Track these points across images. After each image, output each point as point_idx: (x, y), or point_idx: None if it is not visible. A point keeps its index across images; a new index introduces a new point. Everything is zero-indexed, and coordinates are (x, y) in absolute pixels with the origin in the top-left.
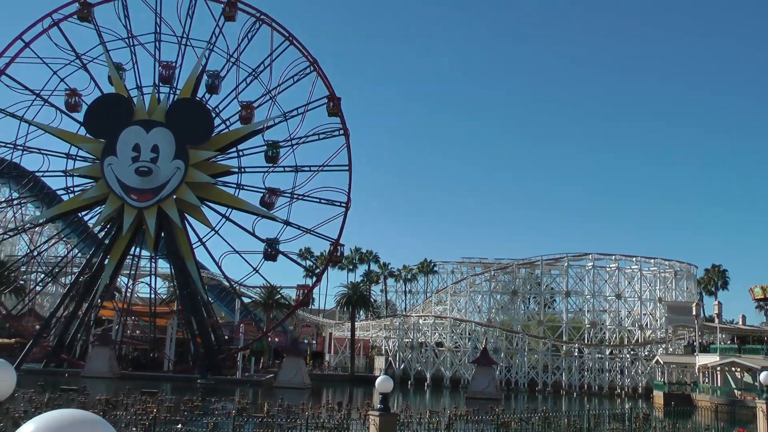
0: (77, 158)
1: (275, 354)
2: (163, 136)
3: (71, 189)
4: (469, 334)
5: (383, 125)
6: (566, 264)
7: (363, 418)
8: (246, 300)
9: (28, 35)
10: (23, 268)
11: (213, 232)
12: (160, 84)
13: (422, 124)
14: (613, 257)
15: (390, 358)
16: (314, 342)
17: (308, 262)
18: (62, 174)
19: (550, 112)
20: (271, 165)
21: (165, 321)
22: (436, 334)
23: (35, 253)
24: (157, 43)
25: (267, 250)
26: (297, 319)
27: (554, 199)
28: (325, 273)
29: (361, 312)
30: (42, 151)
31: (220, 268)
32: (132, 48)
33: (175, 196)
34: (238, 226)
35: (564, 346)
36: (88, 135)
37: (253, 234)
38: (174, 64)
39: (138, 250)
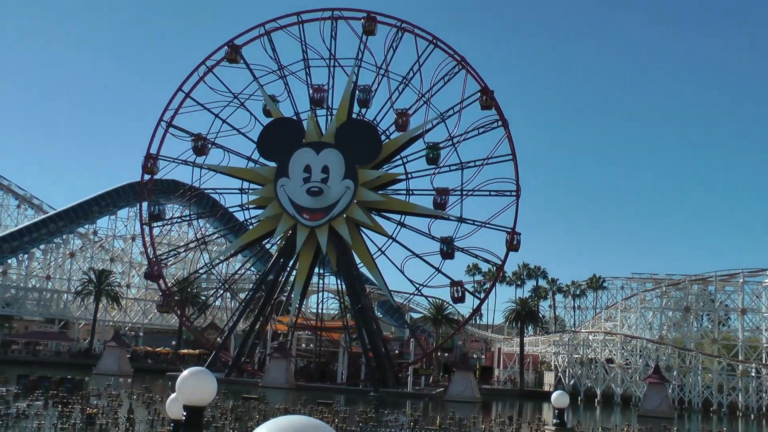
0: (250, 191)
1: (445, 368)
2: (333, 156)
3: (245, 206)
4: (641, 350)
5: (547, 140)
6: (742, 280)
7: None
8: (415, 315)
9: (186, 86)
10: (203, 285)
11: (390, 241)
12: (315, 108)
13: (585, 128)
14: None
15: (559, 374)
16: (483, 357)
17: (476, 276)
18: (238, 191)
19: (730, 113)
20: (434, 167)
21: (337, 335)
22: (606, 350)
23: (214, 270)
24: (306, 69)
25: (443, 249)
26: (466, 335)
27: (729, 210)
28: (494, 289)
29: (530, 327)
30: (218, 191)
31: (402, 272)
32: (284, 78)
33: (345, 215)
34: (415, 230)
35: (740, 366)
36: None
37: (429, 235)
38: (325, 87)
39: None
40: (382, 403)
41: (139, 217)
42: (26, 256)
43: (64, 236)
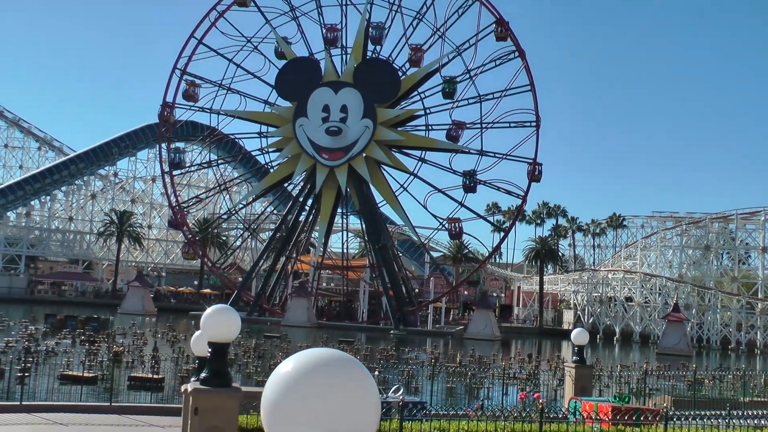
0: (269, 134)
1: (465, 307)
2: (352, 96)
3: (265, 149)
4: (660, 289)
5: (564, 72)
6: (763, 218)
7: (553, 370)
8: (435, 254)
9: (199, 32)
10: (224, 225)
11: (412, 177)
12: (329, 48)
13: (604, 58)
14: None
15: (579, 312)
16: (503, 295)
17: (495, 218)
18: (257, 135)
19: (756, 47)
20: (451, 101)
21: (358, 274)
22: (626, 288)
23: (235, 211)
24: (318, 9)
25: (466, 182)
26: (486, 273)
27: (752, 148)
28: (514, 228)
29: (549, 266)
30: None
31: (425, 207)
32: (296, 20)
33: (364, 154)
34: (436, 165)
35: (759, 304)
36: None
37: (450, 169)
38: (338, 26)
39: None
40: (402, 341)
41: (158, 159)
42: (48, 198)
43: (85, 178)
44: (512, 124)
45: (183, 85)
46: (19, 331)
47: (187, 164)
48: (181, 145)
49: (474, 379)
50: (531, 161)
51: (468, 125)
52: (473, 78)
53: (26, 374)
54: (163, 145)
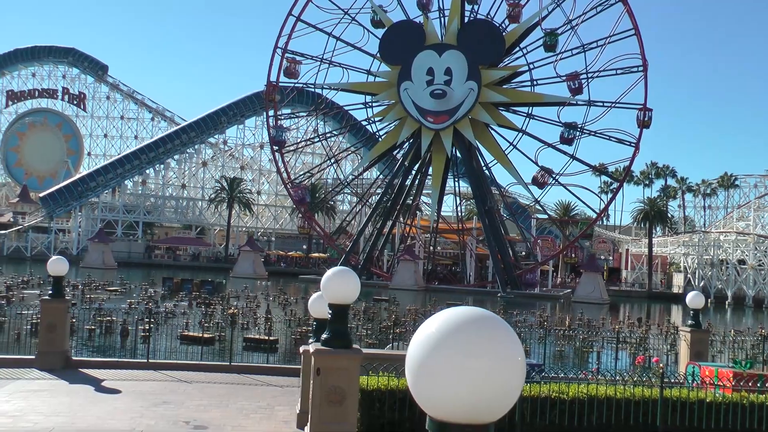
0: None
1: (572, 269)
2: (456, 58)
3: (371, 119)
4: None
5: (676, 24)
6: None
7: (664, 335)
8: (541, 216)
9: (296, 10)
10: (329, 188)
11: (520, 135)
12: (424, 12)
13: (721, 17)
14: None
15: (689, 275)
16: (611, 258)
17: (602, 178)
18: (362, 105)
19: None
20: (553, 53)
21: (465, 238)
22: (738, 251)
23: (347, 182)
24: None
25: (564, 134)
26: (592, 237)
27: None
28: (621, 189)
29: (658, 228)
30: (343, 66)
31: (536, 163)
32: None
33: (470, 117)
34: (544, 120)
35: None
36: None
37: (559, 123)
38: None
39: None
40: (510, 304)
41: (266, 129)
42: (162, 166)
43: (196, 146)
44: (618, 71)
45: (285, 63)
46: (140, 294)
47: (290, 140)
48: (287, 123)
49: (585, 342)
50: (641, 107)
51: (578, 75)
52: (575, 28)
53: (149, 334)
54: (271, 122)
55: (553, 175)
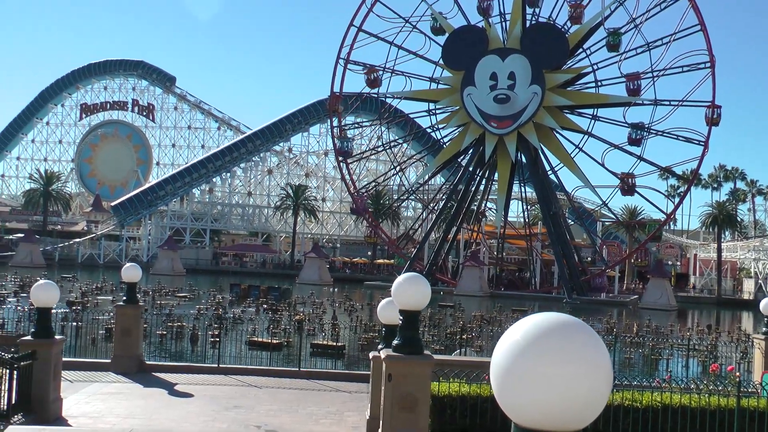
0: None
1: (639, 275)
2: (519, 62)
3: (435, 126)
4: None
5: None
6: None
7: (735, 342)
8: (607, 222)
9: (357, 20)
10: (395, 196)
11: (586, 137)
12: (485, 18)
13: None
14: None
15: (760, 281)
16: (678, 263)
17: (669, 181)
18: (426, 113)
19: None
20: (617, 53)
21: (531, 243)
22: None
23: (412, 190)
24: None
25: (631, 135)
26: (660, 240)
27: None
28: (688, 194)
29: (728, 232)
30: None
31: (603, 165)
32: None
33: (534, 121)
34: (610, 121)
35: None
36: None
37: (626, 123)
38: None
39: (496, 174)
40: (576, 310)
41: (331, 137)
42: (229, 174)
43: (262, 154)
44: (685, 69)
45: (364, 76)
46: (208, 300)
47: (355, 149)
48: (351, 132)
49: (653, 350)
50: (709, 104)
51: (641, 76)
52: (639, 26)
53: (217, 339)
54: (336, 133)
55: (647, 127)
